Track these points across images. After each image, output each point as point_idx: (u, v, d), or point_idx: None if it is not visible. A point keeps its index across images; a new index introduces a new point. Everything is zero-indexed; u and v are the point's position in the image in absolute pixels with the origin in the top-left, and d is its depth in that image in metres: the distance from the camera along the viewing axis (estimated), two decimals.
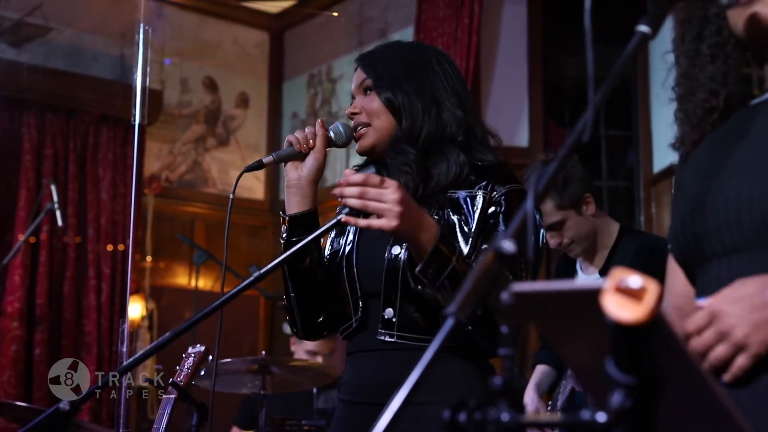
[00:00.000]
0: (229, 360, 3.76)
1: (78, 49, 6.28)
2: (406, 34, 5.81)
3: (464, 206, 1.93)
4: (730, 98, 1.38)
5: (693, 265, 1.40)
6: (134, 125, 3.31)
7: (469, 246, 1.90)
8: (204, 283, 6.33)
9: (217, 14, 7.00)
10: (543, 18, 5.68)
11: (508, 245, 1.08)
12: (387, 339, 1.94)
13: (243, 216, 6.67)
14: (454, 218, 1.93)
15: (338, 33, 6.64)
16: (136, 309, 6.17)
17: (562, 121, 5.86)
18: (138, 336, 6.06)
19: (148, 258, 6.43)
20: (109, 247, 6.06)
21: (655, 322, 0.85)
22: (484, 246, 1.90)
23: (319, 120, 2.07)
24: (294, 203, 2.03)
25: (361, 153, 2.06)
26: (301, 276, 2.04)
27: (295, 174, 2.02)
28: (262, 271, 1.71)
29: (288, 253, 1.78)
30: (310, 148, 2.02)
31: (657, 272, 2.97)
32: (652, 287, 0.85)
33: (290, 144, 2.03)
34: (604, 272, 3.21)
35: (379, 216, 1.71)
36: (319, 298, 2.08)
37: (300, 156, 2.03)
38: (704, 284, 1.37)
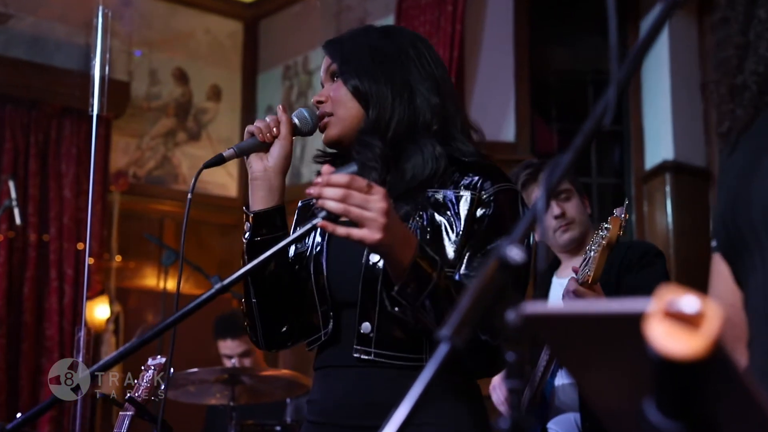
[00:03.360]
0: (195, 370, 3.56)
1: (40, 37, 6.08)
2: (386, 23, 5.63)
3: (450, 207, 1.77)
4: None
5: (737, 261, 1.23)
6: (93, 116, 3.12)
7: (454, 253, 1.74)
8: (173, 284, 6.12)
9: (188, 2, 6.83)
10: (529, 7, 5.51)
11: (516, 254, 0.89)
12: (363, 357, 1.75)
13: (215, 214, 6.49)
14: (440, 220, 1.77)
15: (315, 22, 6.47)
16: (104, 310, 5.96)
17: (548, 115, 5.69)
18: (103, 340, 5.85)
19: (118, 257, 6.24)
20: (80, 246, 5.85)
21: (716, 356, 0.67)
22: (475, 253, 1.72)
23: (280, 106, 1.90)
24: (259, 198, 1.86)
25: (326, 144, 1.92)
26: (264, 279, 1.87)
27: (260, 165, 1.86)
28: (225, 282, 1.52)
29: (253, 264, 1.57)
30: (275, 137, 1.86)
31: (628, 271, 2.74)
32: (712, 312, 0.66)
33: (252, 135, 1.86)
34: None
35: (361, 225, 1.53)
36: (284, 304, 1.90)
37: (264, 147, 1.87)
38: (753, 282, 1.19)
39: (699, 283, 2.92)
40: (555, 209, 3.04)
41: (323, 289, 1.83)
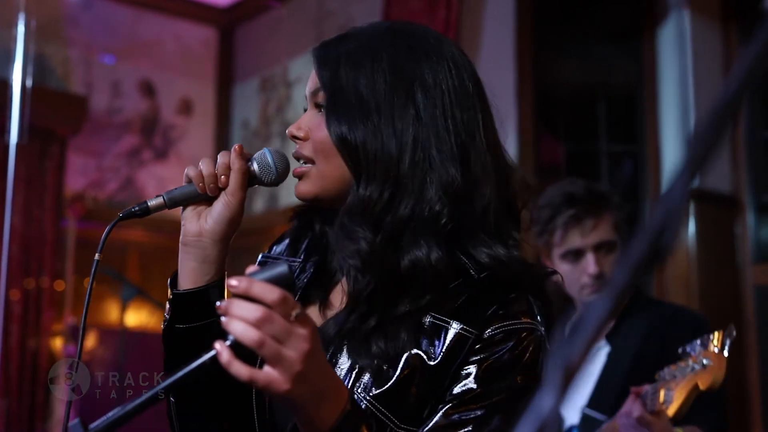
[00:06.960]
0: None
1: None
2: None
3: (436, 339, 1.31)
4: None
5: None
6: (8, 145, 2.74)
7: (419, 403, 1.29)
8: (135, 320, 5.83)
9: (156, 7, 6.57)
10: (533, 12, 5.13)
11: None
12: None
13: None
14: (416, 354, 1.31)
15: (296, 28, 6.14)
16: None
17: (556, 134, 5.31)
18: (54, 387, 5.46)
19: (82, 285, 5.89)
20: (29, 283, 5.50)
21: None
22: (453, 421, 1.27)
23: (236, 146, 1.43)
24: (189, 271, 1.42)
25: (300, 199, 1.46)
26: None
27: (195, 226, 1.43)
28: (100, 426, 1.09)
29: (139, 400, 1.11)
30: (221, 188, 1.42)
31: (675, 346, 2.34)
32: None
33: (190, 180, 1.43)
34: (610, 339, 2.71)
35: (271, 365, 1.10)
36: (212, 410, 1.45)
37: (204, 199, 1.43)
38: None
39: (723, 322, 2.49)
40: (592, 267, 2.65)
41: (264, 412, 1.40)
